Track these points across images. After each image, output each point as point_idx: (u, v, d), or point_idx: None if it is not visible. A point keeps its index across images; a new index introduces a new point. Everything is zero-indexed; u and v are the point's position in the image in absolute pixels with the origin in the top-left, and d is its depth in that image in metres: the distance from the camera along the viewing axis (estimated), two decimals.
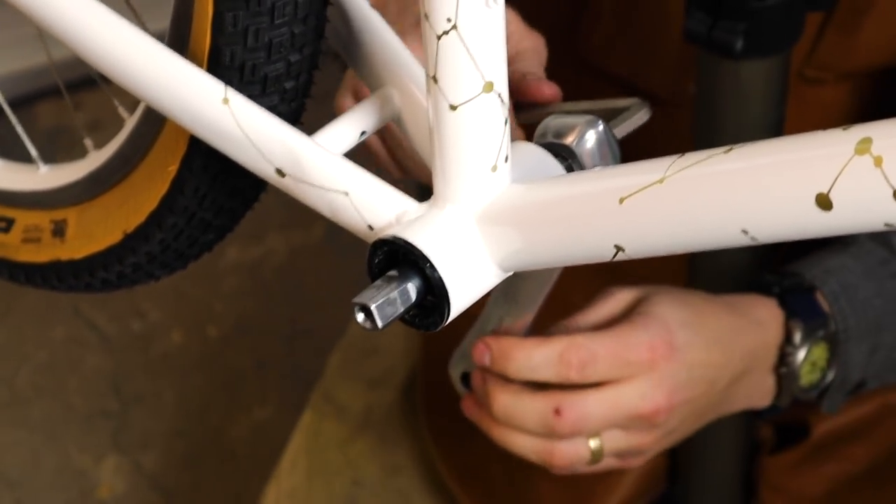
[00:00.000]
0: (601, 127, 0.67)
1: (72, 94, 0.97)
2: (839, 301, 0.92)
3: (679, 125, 0.94)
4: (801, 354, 0.90)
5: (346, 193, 0.64)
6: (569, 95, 0.79)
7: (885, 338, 0.94)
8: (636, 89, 0.98)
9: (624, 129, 0.71)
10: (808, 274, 0.92)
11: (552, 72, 1.02)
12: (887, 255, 0.95)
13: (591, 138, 0.67)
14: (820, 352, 0.91)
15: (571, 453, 0.84)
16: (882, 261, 0.94)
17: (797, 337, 0.90)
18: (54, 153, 0.87)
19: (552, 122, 0.68)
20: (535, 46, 0.84)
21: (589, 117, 0.67)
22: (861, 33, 0.94)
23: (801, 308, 0.90)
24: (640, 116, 0.72)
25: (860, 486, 1.08)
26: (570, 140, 0.67)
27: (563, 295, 1.10)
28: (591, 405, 0.82)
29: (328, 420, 1.23)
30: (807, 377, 0.91)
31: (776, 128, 0.91)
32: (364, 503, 1.19)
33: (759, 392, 0.91)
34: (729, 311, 0.88)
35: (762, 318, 0.90)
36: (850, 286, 0.92)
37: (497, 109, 0.59)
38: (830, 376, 0.93)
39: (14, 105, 0.88)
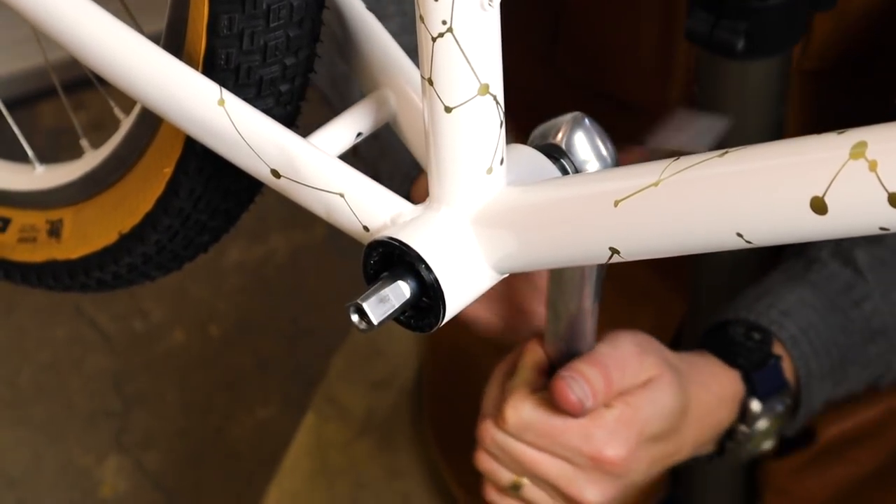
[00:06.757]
0: (587, 122, 0.67)
1: (74, 94, 0.97)
2: (799, 346, 0.89)
3: None
4: (760, 425, 0.88)
5: (342, 195, 0.64)
6: (550, 107, 0.79)
7: (850, 371, 0.91)
8: (618, 100, 0.97)
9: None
10: (766, 319, 0.89)
11: (533, 83, 1.01)
12: (851, 277, 0.92)
13: (578, 134, 0.67)
14: (776, 421, 0.89)
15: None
16: (846, 286, 0.91)
17: (754, 413, 0.87)
18: (57, 153, 0.87)
19: (539, 126, 0.68)
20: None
21: (573, 114, 0.67)
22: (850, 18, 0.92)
23: (763, 385, 0.87)
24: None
25: (865, 490, 1.07)
26: (559, 139, 0.67)
27: None
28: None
29: (330, 422, 1.23)
30: (758, 443, 0.89)
31: (777, 128, 0.91)
32: None
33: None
34: (704, 389, 0.85)
35: (726, 396, 0.87)
36: (812, 327, 0.90)
37: (492, 112, 0.59)
38: (787, 429, 0.91)
39: (16, 105, 0.88)
